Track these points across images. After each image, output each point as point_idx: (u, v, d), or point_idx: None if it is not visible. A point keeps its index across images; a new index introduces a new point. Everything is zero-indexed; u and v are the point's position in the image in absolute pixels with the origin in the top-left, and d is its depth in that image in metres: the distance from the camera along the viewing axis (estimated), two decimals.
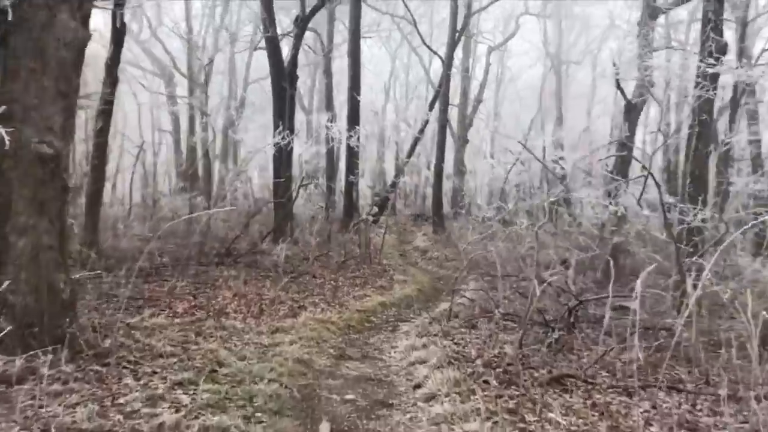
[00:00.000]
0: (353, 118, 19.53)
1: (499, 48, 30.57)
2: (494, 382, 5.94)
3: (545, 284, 8.10)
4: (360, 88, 21.08)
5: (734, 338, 7.08)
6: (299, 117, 29.90)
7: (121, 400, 5.08)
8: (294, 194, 15.66)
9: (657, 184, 8.66)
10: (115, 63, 12.18)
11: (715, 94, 10.35)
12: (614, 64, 20.44)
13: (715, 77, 10.41)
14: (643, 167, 9.53)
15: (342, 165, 25.90)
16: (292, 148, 17.79)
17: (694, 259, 8.18)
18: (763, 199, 17.65)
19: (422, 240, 21.59)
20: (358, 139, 16.81)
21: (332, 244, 16.77)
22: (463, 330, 8.24)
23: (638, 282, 5.99)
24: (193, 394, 5.32)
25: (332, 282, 12.14)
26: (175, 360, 6.19)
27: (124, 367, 5.88)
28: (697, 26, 25.66)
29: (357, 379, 6.47)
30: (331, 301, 10.27)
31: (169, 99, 30.64)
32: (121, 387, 5.37)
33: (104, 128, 12.02)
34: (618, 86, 19.34)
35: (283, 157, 17.70)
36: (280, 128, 17.62)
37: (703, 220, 8.43)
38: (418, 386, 5.99)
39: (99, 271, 8.76)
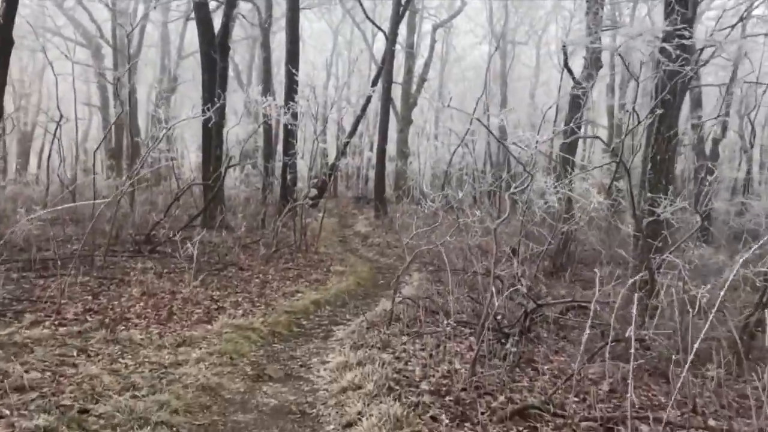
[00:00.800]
0: (290, 94, 17.97)
1: (444, 25, 29.28)
2: (444, 419, 4.70)
3: (509, 289, 6.91)
4: (298, 63, 19.50)
5: (715, 348, 6.09)
6: (238, 95, 28.04)
7: None
8: (221, 174, 14.06)
9: (627, 170, 7.55)
10: (8, 22, 10.38)
11: (687, 68, 9.28)
12: (563, 45, 19.48)
13: (685, 49, 9.34)
14: (612, 151, 8.41)
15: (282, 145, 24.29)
16: (222, 126, 16.15)
17: (664, 256, 7.10)
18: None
19: (364, 225, 20.30)
20: (295, 116, 15.28)
21: (266, 230, 15.30)
22: (405, 338, 6.97)
23: (619, 288, 4.81)
24: None
25: (261, 275, 10.71)
26: (35, 395, 4.71)
27: None
28: (643, 7, 25.01)
29: (275, 411, 5.12)
30: (257, 300, 8.85)
31: (97, 72, 28.32)
32: None
33: None
34: (566, 66, 18.39)
35: (212, 135, 16.07)
36: (210, 103, 16.01)
37: (674, 213, 7.37)
38: (349, 425, 4.68)
39: None
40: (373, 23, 24.71)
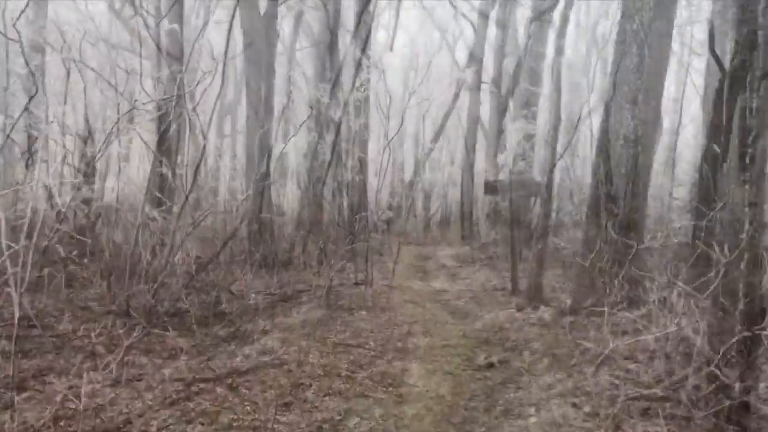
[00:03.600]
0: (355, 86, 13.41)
1: (540, 18, 23.83)
2: None
3: None
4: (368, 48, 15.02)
5: None
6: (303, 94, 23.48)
7: None
8: (257, 196, 9.55)
9: None
10: None
11: None
12: (710, 25, 14.14)
13: None
14: None
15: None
16: (267, 130, 11.75)
17: None
18: None
19: (448, 254, 15.38)
20: (357, 106, 10.70)
21: (323, 271, 10.63)
22: None
23: None
24: None
25: (294, 363, 5.96)
26: None
27: None
28: None
29: None
30: None
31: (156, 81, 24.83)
32: None
33: None
34: (712, 52, 13.32)
35: (259, 148, 11.74)
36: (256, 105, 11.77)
37: None
38: None
39: None
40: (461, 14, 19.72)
